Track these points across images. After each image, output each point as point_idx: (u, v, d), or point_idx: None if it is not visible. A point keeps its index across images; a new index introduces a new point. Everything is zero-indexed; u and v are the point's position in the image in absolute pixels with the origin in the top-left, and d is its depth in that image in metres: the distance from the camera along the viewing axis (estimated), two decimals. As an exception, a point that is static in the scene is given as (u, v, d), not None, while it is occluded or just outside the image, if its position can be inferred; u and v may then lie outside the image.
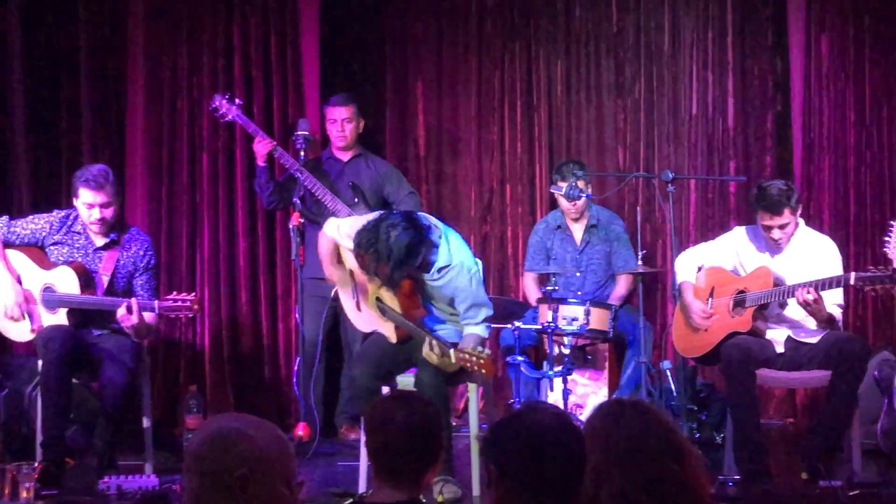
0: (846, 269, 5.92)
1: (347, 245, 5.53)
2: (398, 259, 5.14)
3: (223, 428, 2.58)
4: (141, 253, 5.94)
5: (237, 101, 6.78)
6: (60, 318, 5.78)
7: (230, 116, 6.74)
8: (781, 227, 5.71)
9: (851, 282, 5.44)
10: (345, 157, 7.01)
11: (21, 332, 5.85)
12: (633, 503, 2.62)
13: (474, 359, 5.25)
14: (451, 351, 5.29)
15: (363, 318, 5.76)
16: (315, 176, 6.65)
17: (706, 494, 2.72)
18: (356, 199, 6.75)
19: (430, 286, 5.53)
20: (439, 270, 5.44)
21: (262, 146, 6.68)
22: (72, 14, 7.28)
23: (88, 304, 5.78)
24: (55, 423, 5.62)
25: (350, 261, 5.71)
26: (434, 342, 5.33)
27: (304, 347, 6.36)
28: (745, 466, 5.55)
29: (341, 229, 5.64)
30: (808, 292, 5.48)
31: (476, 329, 5.51)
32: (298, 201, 6.40)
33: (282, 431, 2.65)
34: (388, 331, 5.65)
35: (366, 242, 5.19)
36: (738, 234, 6.02)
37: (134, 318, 5.64)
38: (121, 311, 5.66)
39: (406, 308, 5.54)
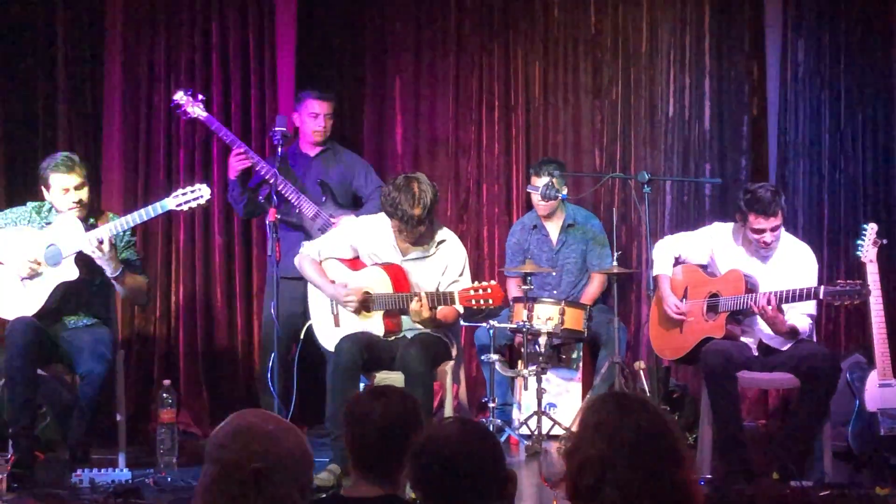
0: (820, 274, 5.97)
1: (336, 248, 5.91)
2: (431, 203, 5.65)
3: (248, 422, 2.60)
4: (120, 233, 5.90)
5: (200, 97, 6.59)
6: (69, 268, 5.75)
7: (192, 114, 6.58)
8: (773, 229, 5.74)
9: (821, 296, 5.49)
10: (312, 152, 6.90)
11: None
12: (634, 496, 2.63)
13: (480, 292, 5.40)
14: (456, 293, 5.49)
15: (335, 335, 5.82)
16: (281, 173, 6.60)
17: (700, 497, 2.74)
18: (324, 198, 6.69)
19: (425, 263, 5.80)
20: (437, 244, 5.82)
21: (238, 161, 6.53)
22: (49, 9, 7.25)
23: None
24: (22, 415, 5.61)
25: (334, 271, 5.82)
26: (424, 296, 5.53)
27: (278, 343, 6.35)
28: (731, 467, 5.59)
29: (324, 241, 6.02)
30: (769, 302, 5.52)
31: (459, 280, 5.80)
32: (263, 200, 6.36)
33: (305, 439, 2.65)
34: (376, 327, 5.76)
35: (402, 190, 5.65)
36: (718, 231, 6.04)
37: (105, 248, 5.66)
38: (88, 248, 5.66)
39: (397, 287, 5.73)
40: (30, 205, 5.99)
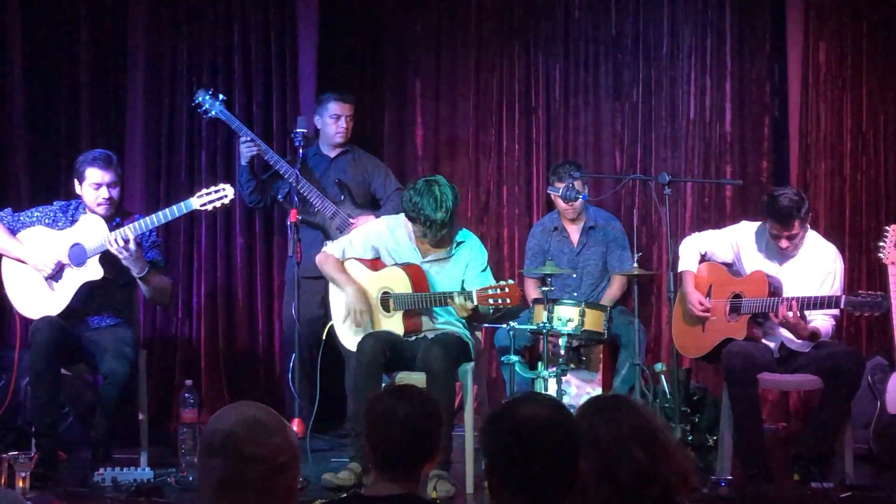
0: (844, 278, 5.95)
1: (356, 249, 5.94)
2: (453, 206, 5.67)
3: (260, 414, 2.61)
4: (147, 233, 5.95)
5: (221, 96, 6.71)
6: (93, 268, 5.81)
7: (213, 113, 6.69)
8: (790, 237, 5.74)
9: (841, 305, 5.49)
10: (332, 153, 6.96)
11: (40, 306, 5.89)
12: (588, 488, 2.65)
13: (498, 291, 5.44)
14: (474, 291, 5.47)
15: (356, 335, 5.85)
16: (301, 173, 6.64)
17: (684, 483, 2.75)
18: (342, 197, 6.74)
19: (445, 265, 5.83)
20: (456, 246, 5.85)
21: (247, 149, 6.64)
22: (72, 10, 7.30)
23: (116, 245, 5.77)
24: (45, 413, 5.66)
25: (354, 271, 5.85)
26: (455, 294, 5.56)
27: (299, 344, 6.38)
28: (748, 470, 5.59)
29: (346, 241, 6.02)
30: (789, 308, 5.51)
31: (482, 276, 5.81)
32: (282, 199, 6.38)
33: None
34: (395, 326, 5.78)
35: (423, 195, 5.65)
36: (745, 229, 6.04)
37: (131, 247, 5.71)
38: (114, 247, 5.71)
39: (417, 286, 5.75)
40: (56, 204, 6.05)
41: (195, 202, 5.89)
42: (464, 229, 6.01)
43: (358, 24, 7.81)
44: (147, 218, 5.85)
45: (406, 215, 5.76)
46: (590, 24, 7.64)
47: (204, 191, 5.95)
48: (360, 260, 5.97)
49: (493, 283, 5.64)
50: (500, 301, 5.49)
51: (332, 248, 6.05)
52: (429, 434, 3.24)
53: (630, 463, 2.63)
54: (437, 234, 5.72)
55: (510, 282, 5.54)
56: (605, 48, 7.63)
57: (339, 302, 6.01)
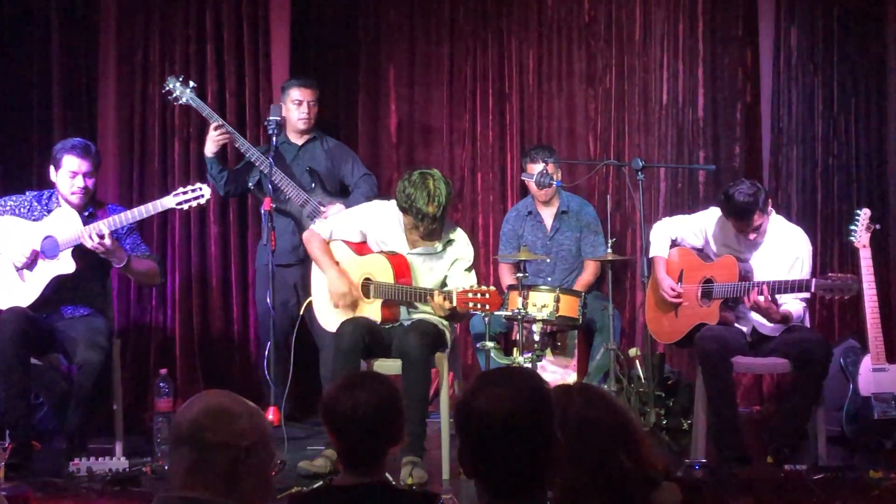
0: (814, 260, 5.99)
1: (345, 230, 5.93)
2: (446, 201, 5.61)
3: (222, 403, 2.63)
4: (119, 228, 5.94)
5: (191, 83, 6.68)
6: (66, 262, 5.78)
7: (184, 100, 6.67)
8: (754, 229, 5.78)
9: (812, 289, 5.51)
10: (299, 140, 6.93)
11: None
12: (579, 488, 2.65)
13: (479, 295, 5.39)
14: (454, 293, 5.44)
15: (334, 315, 5.83)
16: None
17: (657, 472, 2.77)
18: (313, 185, 6.72)
19: (431, 260, 5.79)
20: (446, 245, 5.80)
21: (219, 135, 6.61)
22: (44, -1, 7.26)
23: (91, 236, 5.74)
24: (16, 404, 5.63)
25: (339, 253, 5.84)
26: (435, 292, 5.51)
27: (273, 332, 6.38)
28: (722, 453, 5.63)
29: (335, 222, 5.99)
30: (760, 293, 5.55)
31: (466, 275, 5.77)
32: (253, 187, 6.36)
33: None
34: (373, 313, 5.77)
35: (417, 187, 5.60)
36: (715, 215, 6.05)
37: (107, 242, 5.69)
38: (89, 243, 5.69)
39: (399, 277, 5.73)
40: (29, 193, 6.02)
41: (171, 201, 5.90)
42: (457, 228, 5.99)
43: (331, 11, 7.79)
44: (122, 214, 5.84)
45: (398, 205, 5.73)
46: (563, 10, 7.66)
47: (181, 189, 5.95)
48: (347, 242, 5.95)
49: (475, 285, 5.61)
50: (479, 306, 5.45)
51: (319, 228, 6.01)
52: (388, 421, 3.19)
53: (617, 460, 2.65)
54: (428, 228, 5.69)
55: (492, 288, 5.49)
56: (577, 34, 7.64)
57: (319, 281, 5.99)
